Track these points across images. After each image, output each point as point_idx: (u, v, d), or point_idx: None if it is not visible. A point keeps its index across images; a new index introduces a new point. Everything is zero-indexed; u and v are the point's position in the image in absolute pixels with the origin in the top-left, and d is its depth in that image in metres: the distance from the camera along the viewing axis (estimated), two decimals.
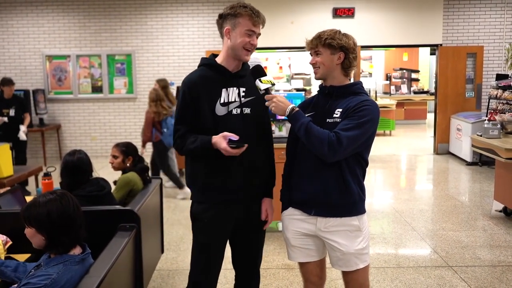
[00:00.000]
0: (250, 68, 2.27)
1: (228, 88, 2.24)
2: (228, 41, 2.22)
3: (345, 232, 2.21)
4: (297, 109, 2.17)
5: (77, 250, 2.09)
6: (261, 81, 2.18)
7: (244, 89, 2.28)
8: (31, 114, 7.83)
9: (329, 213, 2.20)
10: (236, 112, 2.24)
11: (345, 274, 2.30)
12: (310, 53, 2.26)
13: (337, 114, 2.17)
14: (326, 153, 2.07)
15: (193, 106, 2.22)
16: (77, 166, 2.99)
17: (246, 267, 2.47)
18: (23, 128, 6.77)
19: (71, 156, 3.02)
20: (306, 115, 2.21)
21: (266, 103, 2.19)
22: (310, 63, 2.25)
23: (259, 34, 2.24)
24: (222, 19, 2.24)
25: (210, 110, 2.21)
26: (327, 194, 2.18)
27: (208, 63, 2.29)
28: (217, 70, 2.26)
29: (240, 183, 2.25)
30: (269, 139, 2.43)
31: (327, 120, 2.18)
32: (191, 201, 2.39)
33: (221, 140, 2.11)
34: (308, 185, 2.22)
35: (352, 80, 2.32)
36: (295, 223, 2.30)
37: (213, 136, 2.15)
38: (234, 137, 2.11)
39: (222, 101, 2.22)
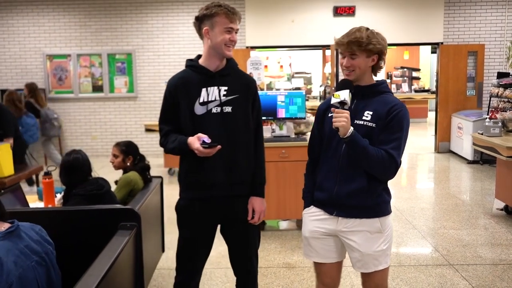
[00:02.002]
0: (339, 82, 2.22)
1: (209, 88, 2.31)
2: (209, 41, 2.29)
3: (365, 233, 2.18)
4: (354, 131, 2.08)
5: (2, 227, 1.97)
6: (333, 95, 2.12)
7: (225, 88, 2.32)
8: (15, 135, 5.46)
9: (351, 214, 2.18)
10: (216, 110, 2.30)
11: (363, 273, 2.29)
12: (340, 52, 2.19)
13: (367, 117, 2.14)
14: (389, 177, 2.18)
15: (174, 106, 2.32)
16: (72, 165, 3.08)
17: (240, 262, 2.51)
18: None
19: (68, 156, 3.13)
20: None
21: (333, 115, 2.09)
22: (344, 66, 2.16)
23: (238, 29, 2.31)
24: (199, 21, 2.30)
25: (189, 109, 2.30)
26: (350, 195, 2.16)
27: (190, 64, 2.38)
28: (199, 70, 2.33)
29: (220, 180, 2.31)
30: (257, 137, 2.43)
31: (356, 121, 2.14)
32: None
33: (194, 141, 2.19)
34: (331, 185, 2.20)
35: None
36: (315, 222, 2.28)
37: (189, 137, 2.23)
38: (207, 139, 2.18)
39: (201, 100, 2.30)
